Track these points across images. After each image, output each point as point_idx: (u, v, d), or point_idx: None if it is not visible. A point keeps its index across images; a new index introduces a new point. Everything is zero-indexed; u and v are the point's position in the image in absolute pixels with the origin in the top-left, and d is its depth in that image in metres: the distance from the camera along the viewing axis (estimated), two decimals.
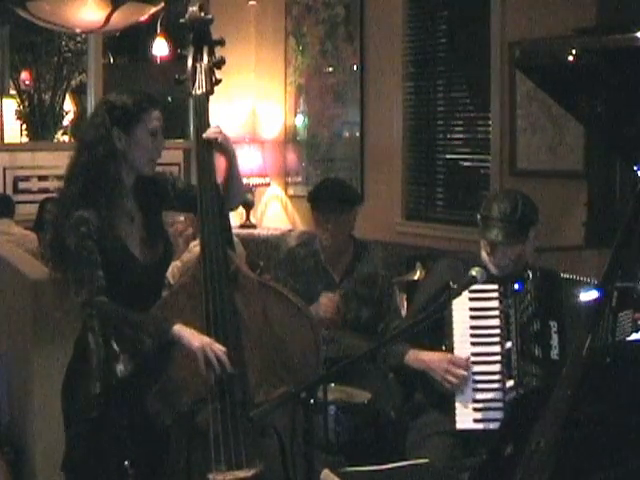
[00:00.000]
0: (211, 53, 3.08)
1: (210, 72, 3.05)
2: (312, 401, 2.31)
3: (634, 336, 3.09)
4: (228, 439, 2.81)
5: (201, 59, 3.06)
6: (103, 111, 2.91)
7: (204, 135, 2.98)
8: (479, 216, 3.29)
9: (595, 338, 1.64)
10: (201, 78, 3.03)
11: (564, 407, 1.62)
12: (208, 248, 2.90)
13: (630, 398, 1.84)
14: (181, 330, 2.80)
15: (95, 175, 2.86)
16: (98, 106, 3.00)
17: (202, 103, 3.02)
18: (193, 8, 3.07)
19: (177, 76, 3.10)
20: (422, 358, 3.19)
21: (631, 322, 3.15)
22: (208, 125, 3.01)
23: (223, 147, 3.02)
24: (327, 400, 3.53)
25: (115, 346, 2.89)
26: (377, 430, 3.78)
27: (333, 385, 3.74)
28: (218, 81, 3.07)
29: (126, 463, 2.83)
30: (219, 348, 2.81)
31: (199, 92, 3.02)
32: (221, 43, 3.11)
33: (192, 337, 2.80)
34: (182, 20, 3.10)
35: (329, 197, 4.17)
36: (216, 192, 2.98)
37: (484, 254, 3.24)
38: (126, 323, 2.85)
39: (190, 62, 3.05)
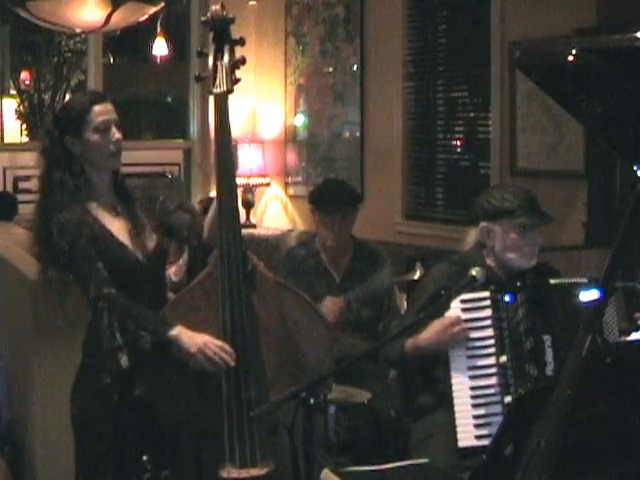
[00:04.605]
0: (232, 52, 3.07)
1: (231, 71, 3.03)
2: (312, 401, 2.31)
3: (634, 336, 3.09)
4: (243, 437, 2.81)
5: (222, 58, 3.03)
6: (50, 122, 2.97)
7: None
8: (487, 214, 3.24)
9: (595, 338, 1.64)
10: (222, 77, 3.00)
11: (564, 407, 1.62)
12: (226, 247, 2.90)
13: (630, 398, 1.84)
14: (179, 334, 2.81)
15: (62, 182, 2.90)
16: (47, 117, 3.06)
17: (222, 102, 3.00)
18: (215, 7, 3.06)
19: (198, 74, 3.11)
20: (420, 344, 3.13)
21: (616, 319, 3.14)
22: (228, 124, 2.99)
23: None
24: (327, 400, 3.53)
25: (119, 338, 2.91)
26: (377, 430, 3.79)
27: (333, 385, 3.74)
28: (237, 80, 3.06)
29: (144, 458, 2.83)
30: (216, 344, 2.81)
31: (219, 90, 2.99)
32: (241, 42, 3.10)
33: (189, 342, 2.80)
34: (203, 18, 3.07)
35: (334, 198, 4.18)
36: (235, 190, 2.98)
37: (509, 254, 3.19)
38: (130, 317, 2.87)
39: (211, 60, 3.03)
